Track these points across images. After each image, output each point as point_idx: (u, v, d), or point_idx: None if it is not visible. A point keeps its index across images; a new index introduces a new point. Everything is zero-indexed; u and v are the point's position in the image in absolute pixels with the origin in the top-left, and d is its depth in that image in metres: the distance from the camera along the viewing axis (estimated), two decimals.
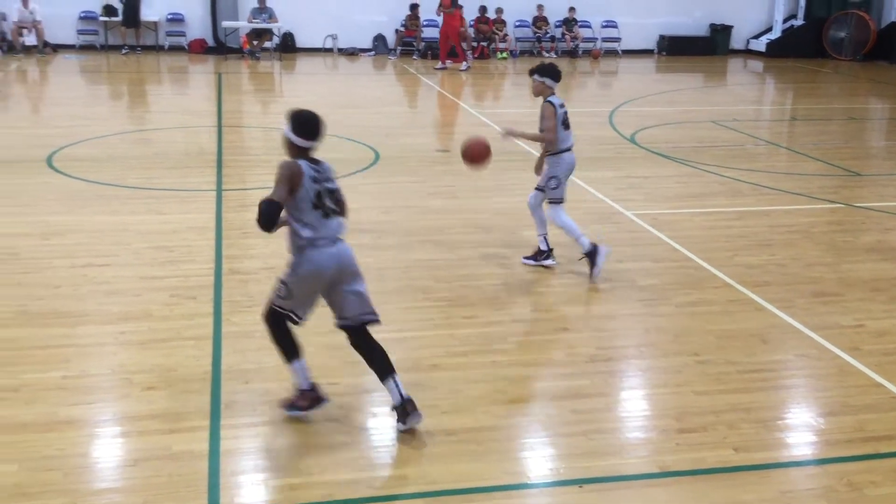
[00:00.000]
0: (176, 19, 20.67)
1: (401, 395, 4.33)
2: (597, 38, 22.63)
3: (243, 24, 20.26)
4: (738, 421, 4.55)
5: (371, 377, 4.48)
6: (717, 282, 6.59)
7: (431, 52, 20.85)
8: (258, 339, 5.34)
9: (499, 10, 21.55)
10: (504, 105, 15.83)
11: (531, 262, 6.84)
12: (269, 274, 6.40)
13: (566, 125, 6.59)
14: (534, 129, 6.65)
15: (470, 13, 21.30)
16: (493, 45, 21.52)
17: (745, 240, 7.62)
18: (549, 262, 6.81)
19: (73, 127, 11.61)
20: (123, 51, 19.78)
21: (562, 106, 6.55)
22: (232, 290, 6.07)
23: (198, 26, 20.80)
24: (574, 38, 22.16)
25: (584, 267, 6.67)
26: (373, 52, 21.45)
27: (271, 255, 6.82)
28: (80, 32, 20.21)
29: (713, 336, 5.62)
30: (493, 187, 9.10)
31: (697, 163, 10.48)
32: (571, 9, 22.09)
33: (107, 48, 20.12)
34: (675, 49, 22.63)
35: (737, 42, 23.43)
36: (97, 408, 4.53)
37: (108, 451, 4.17)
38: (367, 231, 7.54)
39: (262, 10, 20.16)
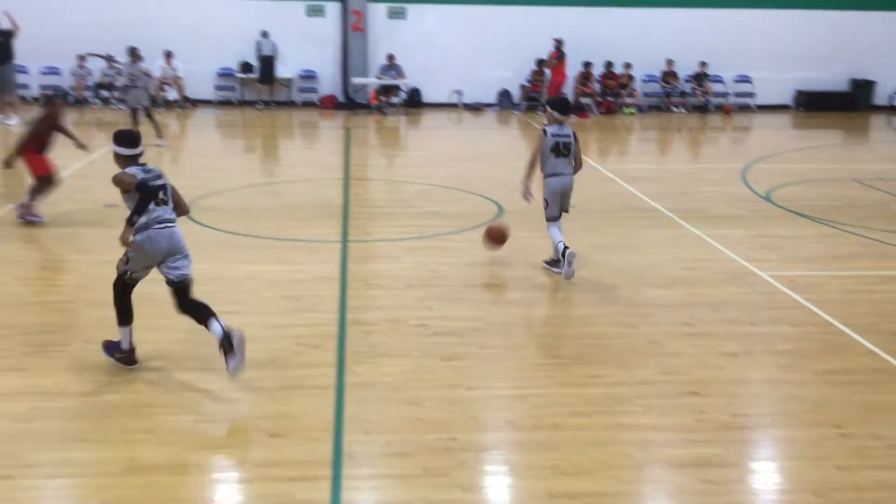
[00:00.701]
0: (308, 76, 21.65)
1: (223, 329, 5.36)
2: (729, 93, 22.23)
3: (372, 81, 21.01)
4: (884, 499, 4.28)
5: (488, 434, 4.47)
6: (861, 349, 6.26)
7: None
8: (380, 389, 5.44)
9: (627, 65, 21.53)
10: (630, 160, 15.70)
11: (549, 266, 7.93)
12: (392, 326, 6.53)
13: (557, 152, 7.61)
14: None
15: (596, 68, 21.40)
16: (619, 100, 21.47)
17: (892, 305, 7.23)
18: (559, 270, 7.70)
19: (209, 178, 12.25)
20: (258, 106, 20.81)
21: (555, 135, 7.59)
22: (355, 341, 6.21)
23: (329, 83, 21.70)
24: (705, 94, 21.85)
25: (717, 328, 6.49)
26: (497, 107, 21.78)
27: (394, 306, 6.95)
28: (218, 88, 21.43)
29: (856, 407, 5.33)
30: (614, 244, 9.01)
31: (838, 223, 10.07)
32: (703, 63, 21.83)
33: (242, 103, 21.24)
34: (814, 104, 21.94)
35: (880, 98, 22.52)
36: (224, 453, 4.69)
37: (233, 496, 4.31)
38: (490, 285, 7.59)
39: (391, 67, 20.87)
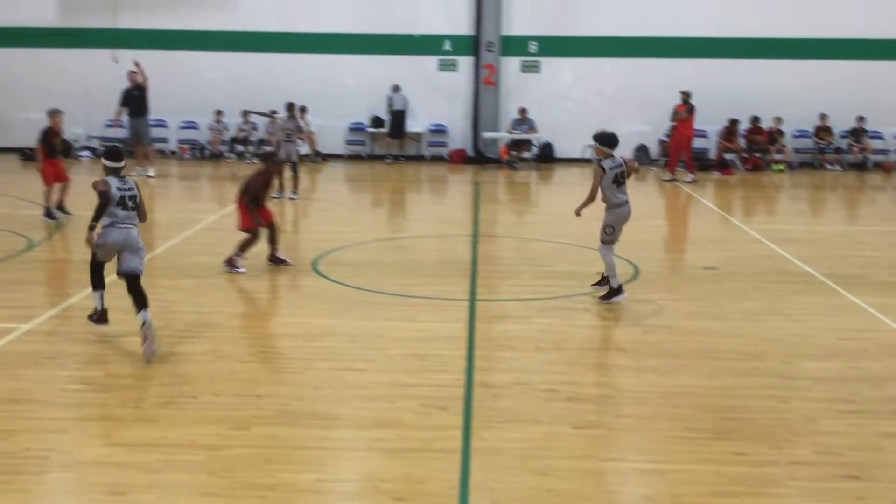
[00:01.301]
0: (439, 130, 22.16)
1: (144, 321, 6.94)
2: (889, 150, 21.29)
3: (503, 135, 21.31)
4: None
5: None
6: None
7: (699, 162, 20.63)
8: (508, 456, 5.39)
9: (777, 120, 20.99)
10: (779, 220, 15.20)
11: (608, 300, 8.61)
12: (521, 390, 6.49)
13: (617, 183, 8.47)
14: None
15: (743, 124, 20.97)
16: (767, 157, 20.91)
17: None
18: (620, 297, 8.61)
19: (337, 232, 12.63)
20: (387, 161, 21.41)
21: (612, 168, 8.43)
22: (482, 404, 6.20)
23: (459, 137, 22.14)
24: (863, 150, 21.00)
25: (878, 406, 6.15)
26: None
27: (524, 369, 6.92)
28: (349, 143, 22.21)
29: None
30: (762, 310, 8.69)
31: None
32: (860, 118, 21.04)
33: (372, 158, 21.91)
34: None
35: None
36: None
37: None
38: (625, 351, 7.45)
39: (523, 121, 21.11)
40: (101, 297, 7.56)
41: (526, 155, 21.33)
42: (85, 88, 21.55)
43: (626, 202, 8.66)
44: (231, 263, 9.80)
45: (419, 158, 22.10)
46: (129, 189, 7.41)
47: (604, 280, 8.94)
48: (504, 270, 10.68)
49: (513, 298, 9.14)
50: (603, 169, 8.47)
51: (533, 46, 21.71)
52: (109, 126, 21.34)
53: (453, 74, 21.91)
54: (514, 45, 21.67)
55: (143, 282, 7.30)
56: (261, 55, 21.53)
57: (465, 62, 21.83)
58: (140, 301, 7.11)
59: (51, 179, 12.84)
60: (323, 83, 21.48)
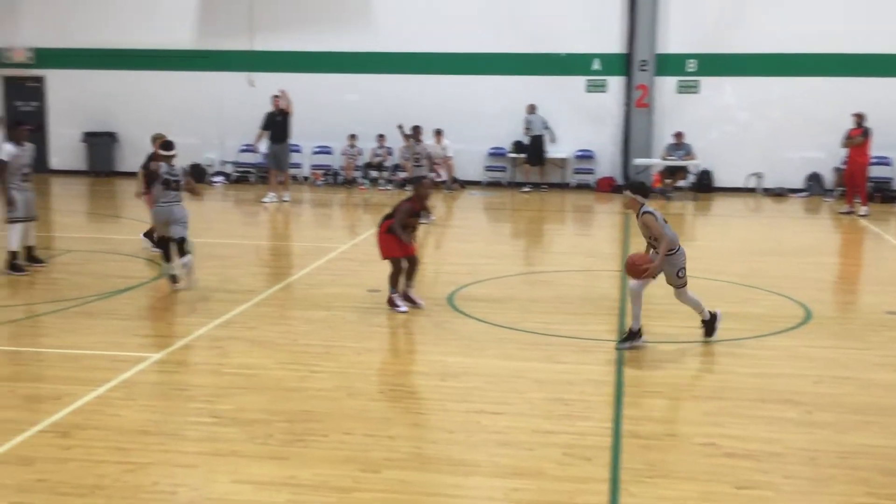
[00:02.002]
0: (585, 156, 22.06)
1: (187, 261, 10.50)
2: None
3: (657, 162, 21.00)
4: None
5: None
6: None
7: (881, 193, 19.74)
8: None
9: None
10: None
11: (625, 345, 8.46)
12: (674, 442, 6.34)
13: (669, 225, 8.54)
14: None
15: None
16: None
17: None
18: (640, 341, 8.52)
19: (474, 265, 12.72)
20: (525, 189, 21.42)
21: (658, 210, 8.62)
22: (631, 456, 6.09)
23: (607, 164, 21.98)
24: None
25: None
26: (806, 193, 20.86)
27: (677, 419, 6.76)
28: (488, 169, 22.41)
29: None
30: None
31: None
32: None
33: (513, 185, 22.01)
34: None
35: None
36: None
37: None
38: (795, 403, 7.16)
39: (679, 147, 20.75)
40: (173, 267, 10.64)
41: (681, 183, 20.93)
42: (219, 112, 22.65)
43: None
44: (391, 302, 9.87)
45: (563, 186, 22.05)
46: (176, 174, 10.68)
47: (709, 321, 8.85)
48: (655, 309, 10.45)
49: (665, 341, 8.95)
50: (654, 215, 8.48)
51: (691, 65, 21.37)
52: (244, 151, 22.38)
53: (602, 96, 21.82)
54: (669, 64, 21.39)
55: (273, 312, 7.55)
56: (398, 77, 22.08)
57: (615, 82, 21.71)
58: (184, 251, 10.58)
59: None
60: (461, 106, 21.82)
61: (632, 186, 8.69)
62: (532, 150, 21.51)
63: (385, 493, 5.51)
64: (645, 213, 8.45)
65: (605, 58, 21.65)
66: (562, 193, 21.50)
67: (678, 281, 8.61)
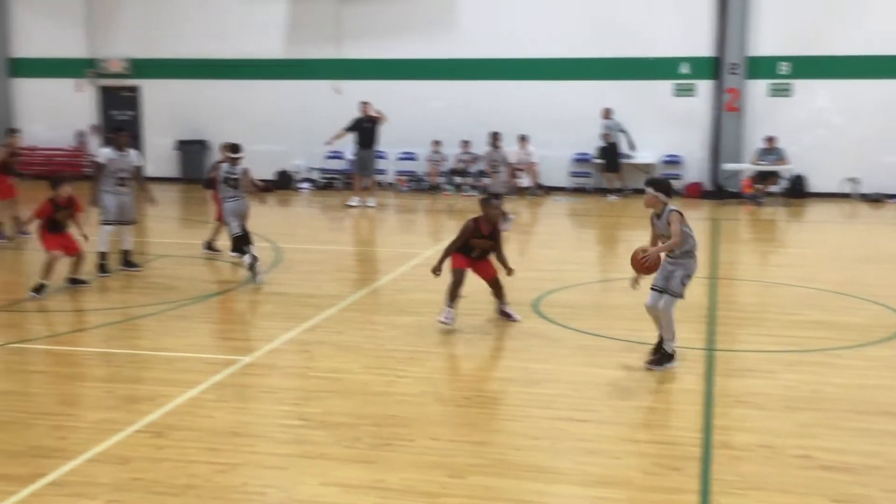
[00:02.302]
0: (672, 161, 21.76)
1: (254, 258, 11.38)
2: None
3: (747, 167, 20.59)
4: None
5: None
6: None
7: None
8: None
9: None
10: None
11: (657, 367, 7.90)
12: (767, 454, 6.20)
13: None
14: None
15: None
16: None
17: None
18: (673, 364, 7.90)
19: (559, 271, 12.66)
20: (610, 197, 21.17)
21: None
22: (722, 467, 5.98)
23: (695, 169, 21.63)
24: None
25: None
26: None
27: (770, 430, 6.61)
28: (573, 175, 22.27)
29: None
30: None
31: None
32: None
33: (599, 191, 21.82)
34: None
35: None
36: None
37: None
38: (894, 415, 6.93)
39: (770, 151, 20.31)
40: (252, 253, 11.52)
41: (773, 189, 20.46)
42: (307, 120, 23.00)
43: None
44: (504, 314, 9.66)
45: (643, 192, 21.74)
46: (235, 173, 11.74)
47: (664, 354, 8.07)
48: (747, 318, 10.27)
49: (757, 350, 8.77)
50: (680, 213, 7.97)
51: (784, 68, 20.89)
52: (330, 157, 22.70)
53: (690, 100, 21.49)
54: (761, 67, 20.95)
55: (359, 317, 7.63)
56: (482, 83, 22.12)
57: (704, 86, 21.36)
58: (242, 250, 11.64)
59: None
60: (546, 111, 21.74)
61: (654, 183, 8.18)
62: (608, 155, 21.26)
63: (471, 499, 5.52)
64: (672, 210, 7.96)
65: (693, 61, 21.33)
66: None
67: (678, 288, 7.96)
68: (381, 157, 21.35)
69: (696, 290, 11.51)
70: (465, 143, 21.91)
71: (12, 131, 15.37)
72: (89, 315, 10.19)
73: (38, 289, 10.52)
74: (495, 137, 16.58)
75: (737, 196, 20.68)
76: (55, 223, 10.73)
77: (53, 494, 5.55)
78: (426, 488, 5.64)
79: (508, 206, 16.47)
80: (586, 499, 5.57)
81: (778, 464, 6.05)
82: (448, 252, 9.48)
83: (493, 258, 9.69)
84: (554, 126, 21.76)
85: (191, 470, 5.90)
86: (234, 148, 11.87)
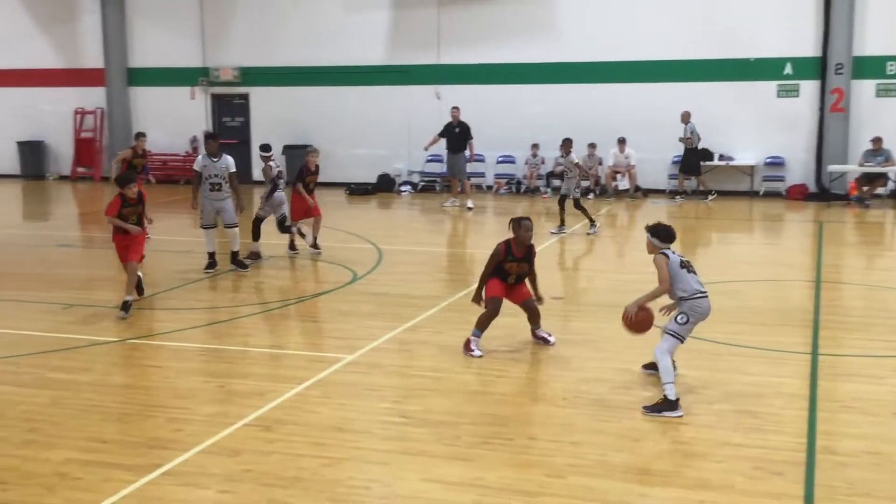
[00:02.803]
0: (775, 163, 21.20)
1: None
2: None
3: (853, 168, 19.92)
4: None
5: None
6: None
7: None
8: None
9: None
10: None
11: (652, 412, 6.95)
12: (875, 460, 6.00)
13: (687, 268, 7.34)
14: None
15: None
16: None
17: None
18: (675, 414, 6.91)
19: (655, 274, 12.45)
20: (709, 198, 20.73)
21: (675, 254, 7.36)
22: (826, 473, 5.80)
23: (799, 171, 21.04)
24: None
25: None
26: None
27: (878, 437, 6.39)
28: (672, 177, 21.90)
29: None
30: None
31: None
32: None
33: (697, 193, 21.40)
34: None
35: None
36: None
37: None
38: None
39: (877, 153, 19.59)
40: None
41: (880, 191, 19.75)
42: (407, 124, 23.23)
43: (706, 294, 7.35)
44: (467, 346, 8.59)
45: (752, 194, 21.27)
46: (282, 177, 13.43)
47: (663, 402, 7.04)
48: (852, 322, 9.95)
49: (863, 354, 8.48)
50: (666, 255, 7.31)
51: (892, 67, 20.14)
52: (430, 161, 22.88)
53: (794, 101, 20.92)
54: (868, 67, 20.25)
55: (458, 317, 7.62)
56: (581, 86, 21.97)
57: (808, 87, 20.76)
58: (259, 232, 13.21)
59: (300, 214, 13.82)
60: (644, 114, 21.45)
61: (651, 229, 7.54)
62: (689, 158, 20.76)
63: (570, 499, 5.50)
64: (659, 254, 7.34)
65: (797, 62, 20.74)
66: (750, 201, 20.74)
67: (677, 326, 7.23)
68: (479, 160, 21.36)
69: (797, 293, 11.25)
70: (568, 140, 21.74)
71: (139, 135, 16.02)
72: (201, 313, 10.49)
73: (125, 306, 10.14)
74: (566, 144, 16.44)
75: (842, 198, 20.02)
76: (123, 219, 10.43)
77: (168, 484, 5.74)
78: (525, 487, 5.64)
79: (604, 207, 16.31)
80: (687, 502, 5.48)
81: (886, 471, 5.85)
82: (484, 280, 8.84)
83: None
84: (653, 128, 21.45)
85: (298, 463, 6.03)
86: (267, 148, 13.59)
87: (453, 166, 20.20)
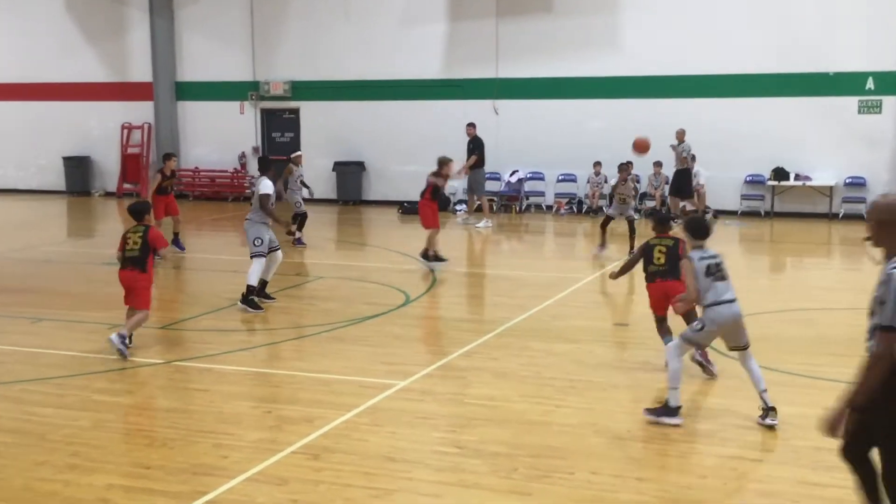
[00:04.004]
0: (856, 184, 20.86)
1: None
2: None
3: None
4: None
5: None
6: None
7: None
8: None
9: None
10: None
11: (651, 416, 7.35)
12: None
13: (715, 276, 7.33)
14: None
15: None
16: None
17: None
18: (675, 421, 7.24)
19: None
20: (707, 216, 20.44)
21: (703, 259, 7.37)
22: None
23: (881, 192, 20.61)
24: None
25: None
26: None
27: None
28: (745, 197, 21.65)
29: None
30: None
31: None
32: None
33: (774, 215, 21.14)
34: None
35: None
36: None
37: None
38: None
39: None
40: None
41: None
42: (463, 141, 23.27)
43: (729, 301, 7.44)
44: (704, 359, 8.66)
45: (831, 217, 20.93)
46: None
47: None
48: None
49: None
50: (691, 261, 7.44)
51: None
52: (486, 179, 22.92)
53: (876, 118, 20.58)
54: None
55: (515, 342, 7.60)
56: (646, 101, 21.84)
57: (891, 103, 20.41)
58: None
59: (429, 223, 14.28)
60: (715, 130, 21.23)
61: (684, 224, 7.91)
62: (681, 180, 20.06)
63: None
64: (685, 258, 7.59)
65: (879, 76, 20.42)
66: (828, 224, 20.42)
67: (691, 332, 7.47)
68: (537, 179, 21.34)
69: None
70: (628, 165, 21.63)
71: (168, 156, 16.34)
72: (248, 335, 10.62)
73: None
74: (626, 167, 16.34)
75: None
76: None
77: None
78: None
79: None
80: None
81: None
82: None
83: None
84: (723, 146, 21.25)
85: (347, 493, 6.05)
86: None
87: (471, 182, 20.82)
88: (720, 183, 21.44)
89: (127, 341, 9.36)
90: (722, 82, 21.37)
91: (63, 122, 27.19)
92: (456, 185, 23.53)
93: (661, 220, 9.25)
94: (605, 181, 22.18)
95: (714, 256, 7.55)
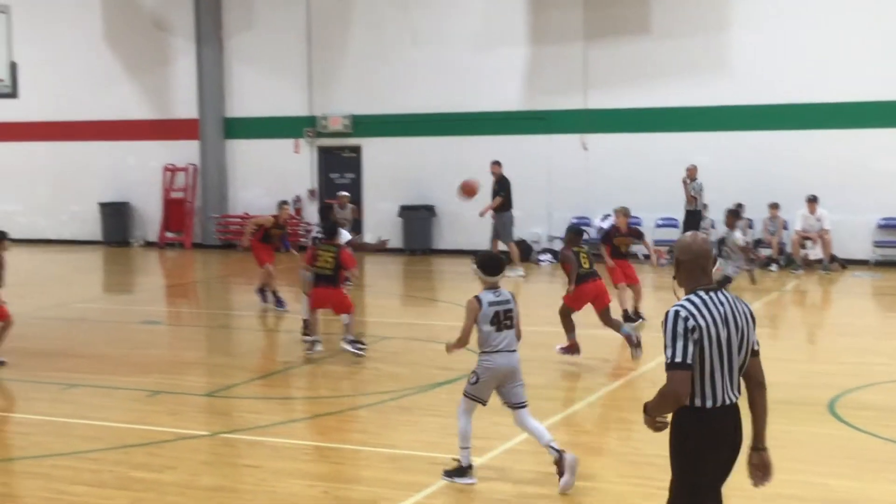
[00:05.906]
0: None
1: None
2: None
3: None
4: None
5: None
6: None
7: None
8: None
9: None
10: None
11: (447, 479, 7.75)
12: None
13: (498, 325, 7.68)
14: None
15: None
16: None
17: None
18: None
19: (861, 364, 12.07)
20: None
21: (492, 304, 7.73)
22: None
23: None
24: None
25: None
26: None
27: None
28: (878, 245, 21.21)
29: None
30: None
31: None
32: None
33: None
34: None
35: None
36: None
37: None
38: None
39: None
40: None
41: None
42: (548, 179, 23.29)
43: (505, 351, 7.77)
44: None
45: None
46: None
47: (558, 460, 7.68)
48: None
49: None
50: (479, 301, 7.82)
51: None
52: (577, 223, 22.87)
53: None
54: None
55: (610, 414, 7.51)
56: (759, 133, 21.69)
57: None
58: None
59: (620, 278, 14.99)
60: (842, 167, 20.95)
61: (477, 261, 8.14)
62: (691, 222, 20.11)
63: None
64: (474, 296, 7.90)
65: None
66: None
67: (468, 385, 7.91)
68: (635, 224, 21.10)
69: None
70: (739, 207, 21.44)
71: (283, 203, 16.77)
72: (304, 403, 10.68)
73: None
74: (732, 216, 16.22)
75: None
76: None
77: None
78: None
79: (790, 282, 15.87)
80: None
81: None
82: None
83: None
84: (852, 185, 20.91)
85: None
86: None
87: (497, 226, 20.76)
88: (848, 228, 21.05)
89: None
90: (850, 111, 21.10)
91: (99, 165, 27.81)
92: (538, 232, 23.51)
93: None
94: (713, 226, 21.94)
95: (506, 302, 7.87)
